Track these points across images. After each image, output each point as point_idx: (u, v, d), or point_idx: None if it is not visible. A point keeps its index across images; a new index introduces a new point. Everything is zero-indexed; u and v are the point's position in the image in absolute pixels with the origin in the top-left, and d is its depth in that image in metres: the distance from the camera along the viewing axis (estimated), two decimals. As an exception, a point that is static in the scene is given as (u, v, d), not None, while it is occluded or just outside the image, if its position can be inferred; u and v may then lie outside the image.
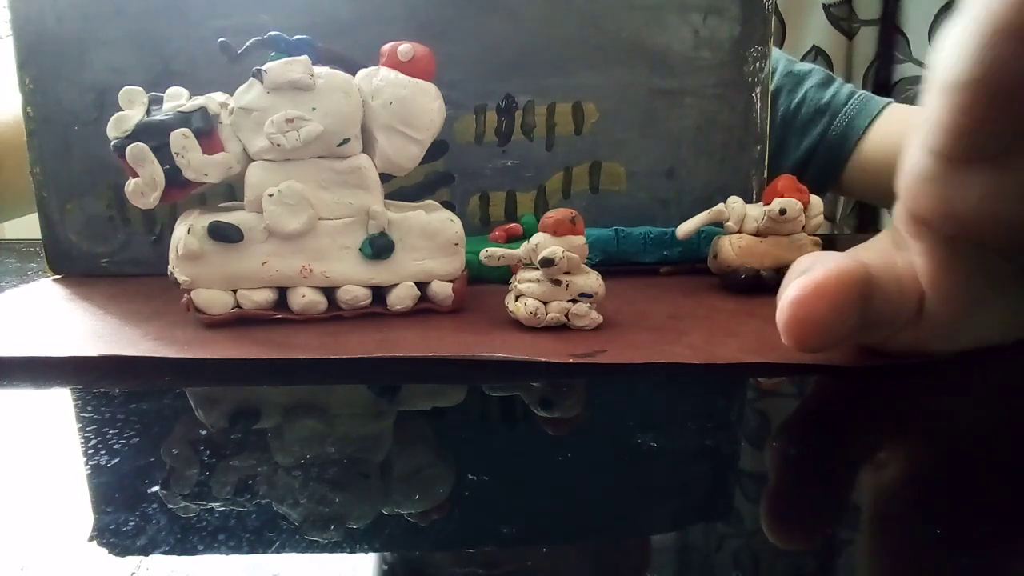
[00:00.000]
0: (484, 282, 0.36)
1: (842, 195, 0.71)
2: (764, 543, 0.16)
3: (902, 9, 1.03)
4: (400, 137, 0.31)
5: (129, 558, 0.15)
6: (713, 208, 0.36)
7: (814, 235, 0.36)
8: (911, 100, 1.00)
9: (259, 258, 0.30)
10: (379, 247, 0.31)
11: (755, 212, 0.35)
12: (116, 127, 0.29)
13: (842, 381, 0.25)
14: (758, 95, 0.42)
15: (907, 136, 0.22)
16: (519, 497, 0.17)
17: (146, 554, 0.15)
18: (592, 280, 0.30)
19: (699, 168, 0.42)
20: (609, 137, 0.41)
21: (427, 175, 0.41)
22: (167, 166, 0.29)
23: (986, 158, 0.20)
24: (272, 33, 0.31)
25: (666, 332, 0.29)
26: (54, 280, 0.40)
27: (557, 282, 0.29)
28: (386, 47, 0.31)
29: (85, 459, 0.19)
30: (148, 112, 0.30)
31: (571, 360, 0.26)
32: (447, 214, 0.32)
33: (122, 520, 0.16)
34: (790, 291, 0.21)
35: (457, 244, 0.32)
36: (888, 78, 1.06)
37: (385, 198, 0.32)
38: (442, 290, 0.32)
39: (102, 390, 0.24)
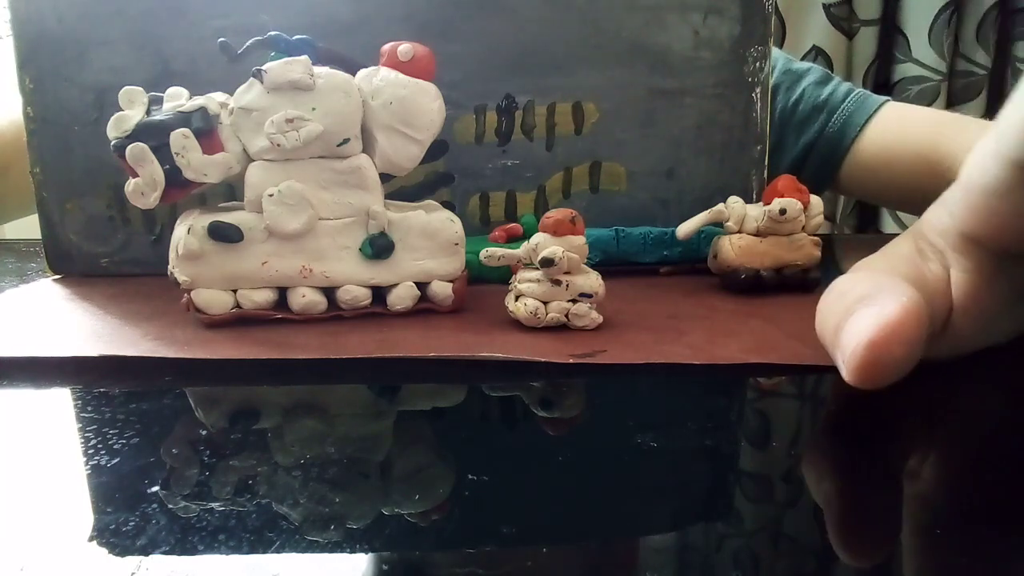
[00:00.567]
0: (484, 282, 0.36)
1: (839, 193, 0.71)
2: (764, 543, 0.16)
3: (902, 9, 1.03)
4: (400, 137, 0.31)
5: (129, 558, 0.15)
6: (713, 208, 0.36)
7: (814, 235, 0.36)
8: (911, 100, 1.00)
9: (259, 258, 0.30)
10: (379, 247, 0.31)
11: (755, 212, 0.35)
12: (116, 127, 0.29)
13: (842, 380, 0.25)
14: (758, 95, 0.42)
15: (939, 146, 0.22)
16: (519, 497, 0.17)
17: (146, 554, 0.15)
18: (592, 280, 0.30)
19: (699, 168, 0.42)
20: (609, 137, 0.41)
21: (427, 175, 0.41)
22: (167, 166, 0.29)
23: None
24: (272, 33, 0.31)
25: (666, 332, 0.29)
26: (54, 280, 0.40)
27: (557, 282, 0.29)
28: (386, 47, 0.31)
29: (85, 459, 0.19)
30: (148, 112, 0.30)
31: (571, 360, 0.26)
32: (447, 214, 0.32)
33: (122, 520, 0.16)
34: (863, 330, 0.20)
35: (457, 244, 0.32)
36: (888, 78, 1.06)
37: (385, 198, 0.32)
38: (442, 290, 0.32)
39: (102, 390, 0.24)
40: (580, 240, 0.30)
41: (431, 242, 0.32)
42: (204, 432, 0.21)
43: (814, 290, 0.36)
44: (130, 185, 0.30)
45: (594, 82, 0.41)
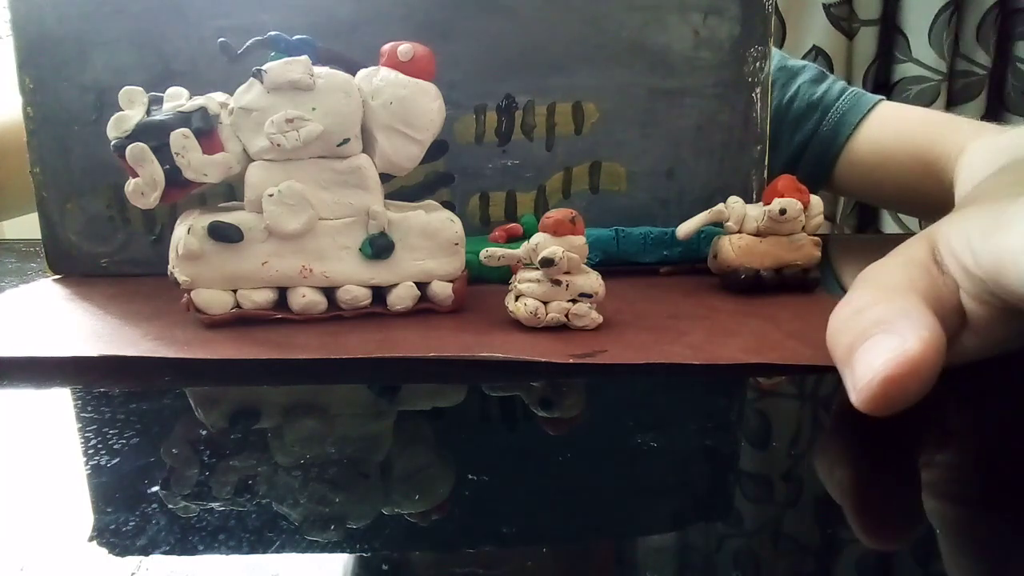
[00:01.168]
0: (484, 282, 0.36)
1: (834, 192, 0.71)
2: (764, 543, 0.16)
3: (902, 9, 1.03)
4: (400, 137, 0.31)
5: (129, 558, 0.15)
6: (713, 208, 0.36)
7: (814, 235, 0.36)
8: (911, 100, 1.00)
9: (259, 258, 0.30)
10: (379, 247, 0.31)
11: (755, 212, 0.35)
12: (116, 127, 0.29)
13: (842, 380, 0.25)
14: (758, 95, 0.42)
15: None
16: (519, 497, 0.17)
17: (146, 554, 0.15)
18: (592, 280, 0.30)
19: (699, 168, 0.42)
20: (609, 137, 0.41)
21: (427, 175, 0.41)
22: (167, 166, 0.29)
23: None
24: (272, 33, 0.31)
25: (666, 332, 0.29)
26: (54, 280, 0.40)
27: (557, 282, 0.29)
28: (386, 47, 0.31)
29: (85, 459, 0.19)
30: (148, 112, 0.30)
31: (571, 360, 0.26)
32: (447, 214, 0.32)
33: (122, 520, 0.16)
34: (880, 364, 0.19)
35: (457, 244, 0.32)
36: (888, 78, 1.06)
37: (385, 198, 0.32)
38: (442, 290, 0.32)
39: (102, 390, 0.24)
40: (580, 240, 0.30)
41: (431, 242, 0.32)
42: (204, 432, 0.21)
43: (814, 290, 0.36)
44: (130, 185, 0.30)
45: (594, 82, 0.41)
